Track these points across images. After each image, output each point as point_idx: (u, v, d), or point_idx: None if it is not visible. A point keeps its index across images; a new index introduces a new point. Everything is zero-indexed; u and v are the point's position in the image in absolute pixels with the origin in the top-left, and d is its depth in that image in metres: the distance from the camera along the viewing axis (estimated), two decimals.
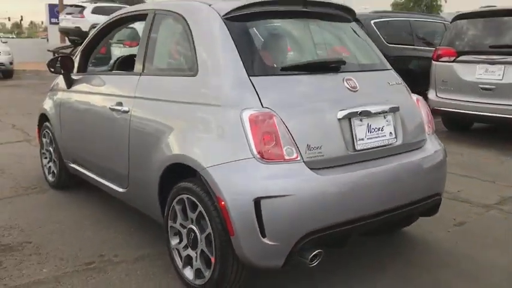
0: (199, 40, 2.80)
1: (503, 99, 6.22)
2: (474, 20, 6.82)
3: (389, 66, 3.27)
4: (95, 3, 21.57)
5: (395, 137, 2.84)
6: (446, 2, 47.47)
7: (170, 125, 2.83)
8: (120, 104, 3.28)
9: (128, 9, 3.86)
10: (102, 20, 13.54)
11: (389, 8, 47.50)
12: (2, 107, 9.77)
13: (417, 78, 8.08)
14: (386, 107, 2.78)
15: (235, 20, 2.75)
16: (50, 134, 4.49)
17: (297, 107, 2.55)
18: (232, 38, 2.67)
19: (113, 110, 3.35)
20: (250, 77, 2.56)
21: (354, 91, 2.76)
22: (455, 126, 7.63)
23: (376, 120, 2.75)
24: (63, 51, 20.83)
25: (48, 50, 21.56)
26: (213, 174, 2.43)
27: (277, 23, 3.09)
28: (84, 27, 18.85)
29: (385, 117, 2.80)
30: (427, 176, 2.97)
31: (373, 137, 2.73)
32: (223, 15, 2.75)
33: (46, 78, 14.85)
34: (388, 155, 2.80)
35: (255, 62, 2.64)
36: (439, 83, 6.99)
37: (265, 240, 2.35)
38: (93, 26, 17.34)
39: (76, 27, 19.97)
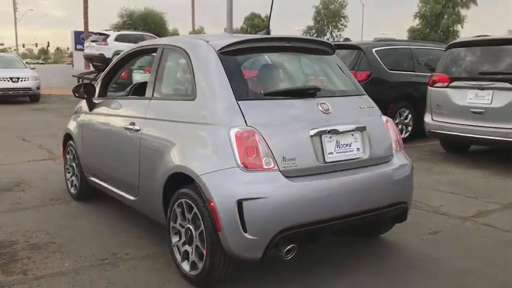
0: (198, 70, 3.37)
1: (492, 123, 6.64)
2: (465, 48, 7.31)
3: (363, 92, 3.78)
4: (118, 31, 22.64)
5: (363, 152, 3.33)
6: (462, 27, 47.90)
7: (173, 141, 3.37)
8: (133, 123, 3.86)
9: (142, 43, 4.47)
10: (124, 47, 14.54)
11: (406, 34, 48.14)
12: (29, 129, 10.50)
13: (418, 102, 8.56)
14: (353, 126, 3.29)
15: (227, 54, 3.31)
16: (73, 151, 5.08)
17: (276, 125, 3.08)
18: (224, 69, 3.22)
19: (127, 129, 3.92)
20: (238, 101, 3.10)
21: (327, 113, 3.28)
22: (453, 148, 8.04)
23: (345, 137, 3.26)
24: (87, 76, 21.85)
25: (73, 76, 22.61)
26: (205, 181, 2.96)
27: (264, 56, 3.66)
28: (108, 54, 19.64)
29: (352, 135, 3.30)
30: (392, 186, 3.44)
31: (342, 152, 3.23)
32: (218, 50, 3.32)
33: (70, 102, 15.72)
34: (355, 167, 3.29)
35: (242, 88, 3.19)
36: (434, 107, 7.45)
37: (247, 235, 2.85)
38: (116, 53, 18.23)
39: (100, 54, 20.92)
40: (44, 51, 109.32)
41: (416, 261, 3.69)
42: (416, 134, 9.00)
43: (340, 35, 54.22)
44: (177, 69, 3.76)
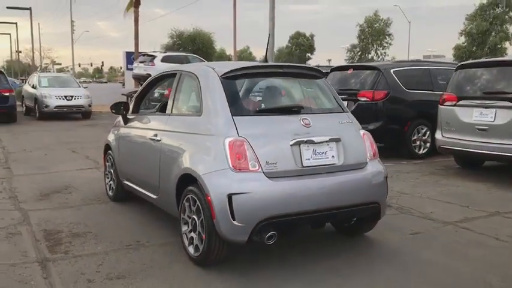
0: (204, 92, 4.17)
1: (495, 139, 7.10)
2: (472, 69, 7.82)
3: (346, 110, 4.47)
4: (164, 52, 24.07)
5: (337, 159, 4.02)
6: (511, 44, 47.00)
7: (184, 149, 4.18)
8: (156, 135, 4.70)
9: (165, 70, 5.35)
10: (169, 67, 15.79)
11: (451, 51, 47.69)
12: (80, 142, 11.67)
13: (436, 119, 9.03)
14: (327, 138, 3.98)
15: (228, 78, 4.11)
16: (111, 159, 6.00)
17: (262, 136, 3.83)
18: (224, 91, 4.02)
19: (151, 139, 4.77)
20: (233, 117, 3.87)
21: (308, 127, 4.00)
22: (467, 163, 8.47)
23: (321, 146, 3.96)
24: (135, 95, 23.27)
25: (122, 94, 24.11)
26: (204, 179, 3.74)
27: (259, 80, 4.43)
28: (154, 74, 21.00)
29: (328, 145, 4.00)
30: (364, 189, 4.10)
31: (318, 158, 3.93)
32: (221, 76, 4.12)
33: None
34: (330, 171, 3.98)
35: (237, 107, 3.97)
36: (444, 124, 7.96)
37: (235, 222, 3.60)
38: None
39: (147, 74, 22.24)
40: (98, 70, 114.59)
41: (390, 255, 4.31)
42: (434, 150, 9.46)
43: (385, 53, 54.38)
44: (189, 91, 4.57)
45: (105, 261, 4.08)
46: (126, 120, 5.63)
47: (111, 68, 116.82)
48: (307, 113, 4.13)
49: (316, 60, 57.67)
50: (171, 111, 4.67)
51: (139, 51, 30.97)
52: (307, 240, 4.63)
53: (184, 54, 24.68)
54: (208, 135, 3.95)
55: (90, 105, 18.78)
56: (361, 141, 4.27)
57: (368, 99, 9.22)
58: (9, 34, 37.16)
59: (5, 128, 14.89)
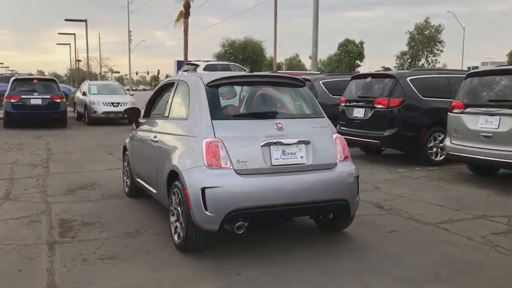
0: (192, 98, 4.72)
1: (499, 146, 7.24)
2: (480, 77, 7.97)
3: (322, 116, 4.89)
4: (206, 61, 24.96)
5: (306, 159, 4.45)
6: None
7: (173, 148, 4.74)
8: (155, 136, 5.30)
9: (167, 79, 5.96)
10: None
11: (506, 58, 46.17)
12: (118, 145, 12.45)
13: None
14: (295, 140, 4.42)
15: (211, 87, 4.64)
16: (127, 158, 6.67)
17: (236, 138, 4.32)
18: (207, 97, 4.55)
19: (151, 140, 5.38)
20: (212, 121, 4.40)
21: (280, 130, 4.46)
22: (479, 170, 8.57)
23: (290, 147, 4.41)
24: None
25: None
26: (184, 174, 4.28)
27: (239, 88, 4.93)
28: None
29: (297, 146, 4.44)
30: (332, 187, 4.49)
31: (287, 158, 4.38)
32: (206, 84, 4.66)
33: None
34: (299, 170, 4.42)
35: (217, 112, 4.50)
36: (452, 131, 8.13)
37: (207, 212, 4.11)
38: None
39: None
40: (154, 78, 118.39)
41: (357, 249, 4.69)
42: None
43: (435, 60, 53.30)
44: (182, 97, 5.12)
45: (103, 245, 4.69)
46: (138, 124, 6.27)
47: (167, 75, 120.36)
48: (282, 118, 4.59)
49: (368, 67, 57.24)
50: (168, 116, 5.25)
51: (190, 60, 32.20)
52: (284, 235, 5.07)
53: (226, 63, 25.50)
54: (193, 136, 4.49)
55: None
56: (332, 144, 4.67)
57: (384, 107, 9.53)
58: (69, 44, 39.66)
59: (55, 131, 16.09)
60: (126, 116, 6.35)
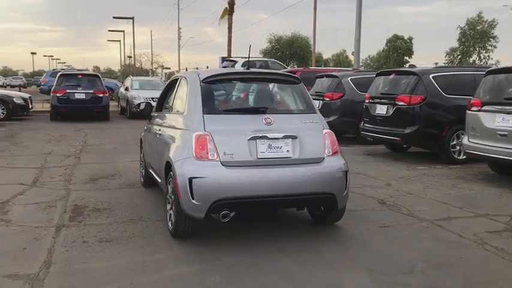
0: (189, 94, 5.00)
1: None
2: (498, 75, 7.82)
3: (314, 112, 5.03)
4: (244, 58, 25.26)
5: (292, 153, 4.62)
6: None
7: (171, 140, 5.03)
8: (160, 129, 5.62)
9: (174, 75, 6.26)
10: None
11: None
12: None
13: None
14: (281, 135, 4.60)
15: (207, 83, 4.90)
16: (143, 150, 7.04)
17: (224, 131, 4.56)
18: (201, 93, 4.81)
19: (157, 133, 5.70)
20: (204, 115, 4.65)
21: (269, 125, 4.65)
22: (500, 169, 8.41)
23: (276, 141, 4.59)
24: None
25: None
26: (175, 165, 4.56)
27: (232, 84, 5.15)
28: None
29: (284, 140, 4.62)
30: (318, 180, 4.64)
31: (273, 152, 4.57)
32: (201, 80, 4.92)
33: None
34: (286, 163, 4.60)
35: (209, 106, 4.75)
36: (470, 130, 8.03)
37: (194, 201, 4.37)
38: None
39: None
40: None
41: (342, 241, 4.84)
42: None
43: (488, 56, 51.34)
44: (182, 93, 5.40)
45: (105, 229, 5.05)
46: (150, 118, 6.62)
47: None
48: (272, 113, 4.78)
49: (419, 63, 55.68)
50: (171, 110, 5.55)
51: (233, 56, 32.54)
52: (274, 227, 5.27)
53: (265, 59, 25.68)
54: (187, 130, 4.76)
55: None
56: (320, 139, 4.81)
57: (405, 104, 9.53)
58: (119, 41, 40.86)
59: (97, 124, 16.87)
60: (139, 110, 6.72)
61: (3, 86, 56.13)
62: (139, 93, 20.00)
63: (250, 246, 4.60)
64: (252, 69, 5.21)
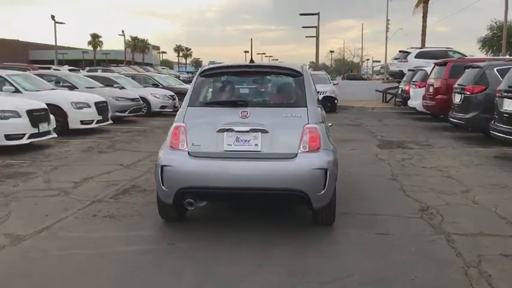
0: (190, 86, 5.30)
1: None
2: None
3: (304, 106, 4.79)
4: (420, 49, 23.69)
5: (260, 147, 4.56)
6: None
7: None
8: None
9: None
10: (422, 63, 18.90)
11: None
12: None
13: None
14: (248, 128, 4.56)
15: (203, 76, 5.15)
16: None
17: (197, 124, 4.76)
18: (194, 86, 5.08)
19: None
20: (188, 107, 4.92)
21: (244, 118, 4.67)
22: None
23: (245, 135, 4.58)
24: (390, 91, 23.81)
25: (376, 90, 24.96)
26: (158, 153, 4.94)
27: (224, 77, 5.22)
28: (405, 71, 21.02)
29: (252, 134, 4.57)
30: (287, 176, 4.47)
31: (240, 145, 4.58)
32: (199, 73, 5.18)
33: (363, 113, 18.50)
34: (253, 157, 4.57)
35: (195, 99, 4.99)
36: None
37: (163, 188, 4.69)
38: (410, 70, 19.56)
39: (399, 70, 22.60)
40: None
41: (320, 243, 4.57)
42: None
43: None
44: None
45: (121, 207, 5.69)
46: None
47: None
48: (253, 107, 4.79)
49: None
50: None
51: (428, 46, 30.60)
52: (266, 223, 5.17)
53: (444, 48, 23.58)
54: (175, 121, 5.08)
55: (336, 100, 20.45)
56: (297, 135, 4.60)
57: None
58: (315, 37, 41.33)
59: None
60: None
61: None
62: None
63: (237, 238, 4.67)
64: (251, 63, 5.23)
